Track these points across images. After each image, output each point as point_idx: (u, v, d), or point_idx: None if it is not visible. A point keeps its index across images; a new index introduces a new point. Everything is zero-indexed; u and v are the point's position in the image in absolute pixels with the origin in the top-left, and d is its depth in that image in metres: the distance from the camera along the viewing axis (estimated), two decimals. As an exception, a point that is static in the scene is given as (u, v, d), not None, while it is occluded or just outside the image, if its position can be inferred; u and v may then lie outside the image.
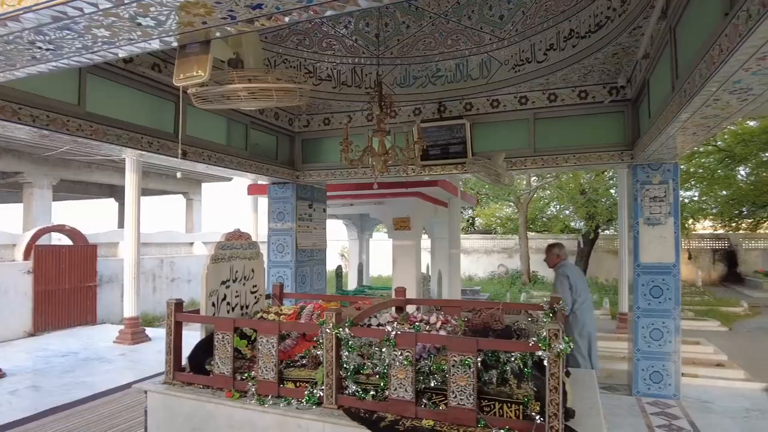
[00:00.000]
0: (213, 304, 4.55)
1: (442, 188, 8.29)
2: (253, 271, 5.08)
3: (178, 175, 6.77)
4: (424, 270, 12.61)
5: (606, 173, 15.48)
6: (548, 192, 18.36)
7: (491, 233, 22.27)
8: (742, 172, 14.72)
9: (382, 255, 11.76)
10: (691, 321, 9.54)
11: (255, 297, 5.14)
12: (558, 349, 2.82)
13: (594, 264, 17.16)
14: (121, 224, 20.46)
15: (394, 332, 3.16)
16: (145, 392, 3.69)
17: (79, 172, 13.97)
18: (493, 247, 19.52)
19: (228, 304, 4.73)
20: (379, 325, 4.00)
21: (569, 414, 3.13)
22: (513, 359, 3.14)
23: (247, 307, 5.01)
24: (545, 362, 2.82)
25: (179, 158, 5.00)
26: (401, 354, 3.10)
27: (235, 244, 4.85)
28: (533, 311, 4.27)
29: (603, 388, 5.24)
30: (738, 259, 16.55)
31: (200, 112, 5.32)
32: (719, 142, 12.79)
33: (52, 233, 10.66)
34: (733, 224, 17.79)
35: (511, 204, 19.48)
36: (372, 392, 3.18)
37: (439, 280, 9.57)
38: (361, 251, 12.47)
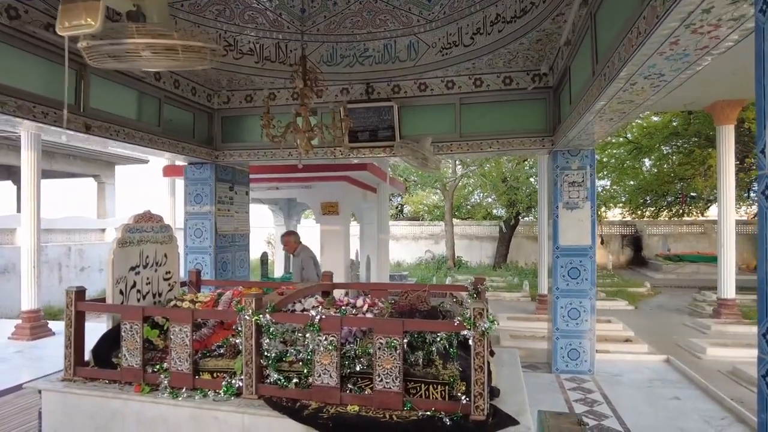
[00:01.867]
0: (121, 292, 4.18)
1: (370, 173, 8.20)
2: (165, 256, 4.73)
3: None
4: (353, 256, 12.54)
5: (527, 162, 16.18)
6: (472, 180, 18.91)
7: (419, 220, 22.65)
8: (648, 164, 15.98)
9: (310, 241, 11.59)
10: (603, 301, 10.20)
11: (169, 284, 4.80)
12: (483, 328, 2.82)
13: (514, 249, 17.97)
14: (20, 209, 18.52)
15: (318, 317, 3.04)
16: (39, 392, 3.31)
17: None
18: (421, 234, 19.85)
19: (138, 291, 4.37)
20: (303, 310, 3.85)
21: (494, 393, 3.16)
22: (439, 339, 3.11)
23: (160, 294, 4.67)
24: (470, 342, 2.81)
25: (83, 133, 4.52)
26: (326, 339, 2.98)
27: (145, 227, 4.48)
28: (458, 293, 4.29)
29: (525, 367, 5.43)
30: (642, 244, 18.01)
31: (107, 83, 4.82)
32: (628, 135, 13.75)
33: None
34: (639, 212, 19.32)
35: (438, 191, 19.87)
36: (295, 380, 3.06)
37: (368, 265, 9.51)
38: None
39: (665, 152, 14.60)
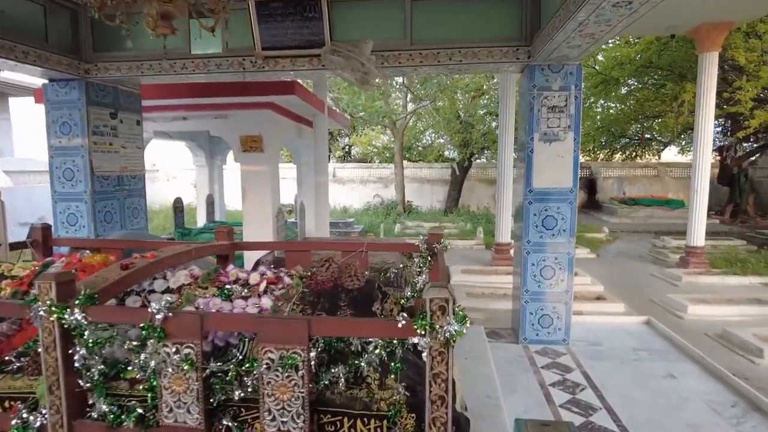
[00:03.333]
0: None
1: (301, 99, 6.64)
2: None
3: None
4: (289, 201, 11.08)
5: (484, 96, 14.90)
6: (424, 120, 17.53)
7: (367, 162, 21.20)
8: (608, 104, 15.03)
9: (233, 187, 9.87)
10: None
11: None
12: (447, 334, 1.60)
13: (467, 193, 17.01)
14: None
15: (161, 314, 1.72)
16: None
17: None
18: (369, 177, 18.47)
19: None
20: (166, 292, 2.49)
21: (461, 425, 2.01)
22: (373, 348, 1.86)
23: None
24: (424, 356, 1.58)
25: None
26: (177, 352, 1.65)
27: None
28: (407, 252, 3.06)
29: (486, 335, 4.38)
30: (597, 187, 17.48)
31: None
32: (597, 66, 12.64)
33: None
34: (593, 154, 18.69)
35: (388, 132, 18.38)
36: (138, 411, 1.81)
37: (302, 213, 8.14)
38: (212, 180, 10.47)
39: (633, 87, 13.61)
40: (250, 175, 7.04)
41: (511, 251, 8.04)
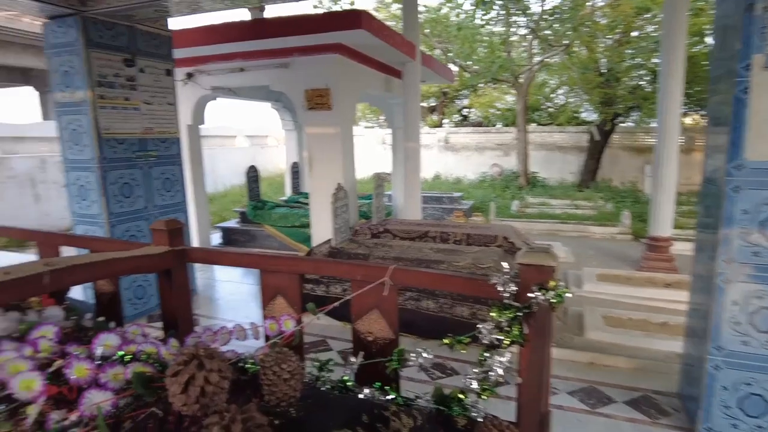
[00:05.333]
0: None
1: (374, 36, 4.95)
2: None
3: None
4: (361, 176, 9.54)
5: (628, 43, 11.75)
6: (554, 73, 14.69)
7: (485, 126, 18.84)
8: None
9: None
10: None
11: None
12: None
13: (608, 163, 13.97)
14: (47, 116, 17.13)
15: None
16: None
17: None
18: (486, 143, 16.16)
19: None
20: None
21: None
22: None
23: None
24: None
25: None
26: None
27: None
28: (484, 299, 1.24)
29: (631, 404, 2.47)
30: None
31: None
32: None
33: None
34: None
35: (510, 88, 15.80)
36: None
37: (379, 188, 6.55)
38: (301, 146, 9.31)
39: None
40: (316, 139, 5.61)
41: (672, 250, 5.65)
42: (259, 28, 5.10)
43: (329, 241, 4.55)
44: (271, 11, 12.13)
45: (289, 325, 1.40)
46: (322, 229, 5.40)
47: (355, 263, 1.54)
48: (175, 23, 4.83)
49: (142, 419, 0.83)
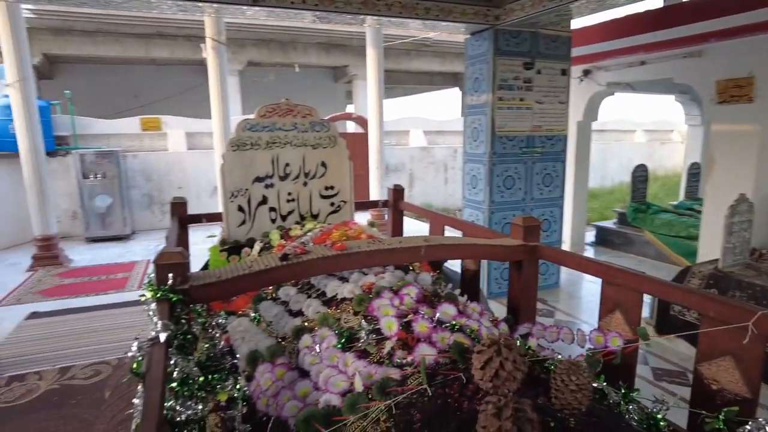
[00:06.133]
0: (240, 208, 3.18)
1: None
2: (324, 165, 3.37)
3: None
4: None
5: None
6: None
7: None
8: None
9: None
10: None
11: (331, 203, 3.46)
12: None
13: None
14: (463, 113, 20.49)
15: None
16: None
17: (398, 61, 14.14)
18: None
19: (273, 210, 3.25)
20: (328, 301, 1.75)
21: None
22: None
23: (315, 215, 3.42)
24: None
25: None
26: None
27: (280, 124, 3.23)
28: None
29: None
30: None
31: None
32: None
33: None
34: None
35: None
36: None
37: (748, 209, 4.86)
38: (708, 143, 7.89)
39: None
40: (722, 138, 4.72)
41: None
42: (671, 15, 4.63)
43: (716, 261, 3.80)
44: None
45: (615, 342, 1.35)
46: (711, 246, 4.56)
47: (708, 296, 1.30)
48: (576, 22, 4.94)
49: (451, 379, 1.02)
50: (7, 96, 5.98)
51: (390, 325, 1.24)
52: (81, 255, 6.63)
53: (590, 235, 7.23)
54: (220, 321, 1.89)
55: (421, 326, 1.23)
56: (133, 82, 13.73)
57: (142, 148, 8.91)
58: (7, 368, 3.31)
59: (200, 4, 3.67)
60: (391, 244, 1.83)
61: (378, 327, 1.28)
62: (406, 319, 1.28)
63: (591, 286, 5.32)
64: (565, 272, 5.52)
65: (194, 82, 13.25)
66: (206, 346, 1.79)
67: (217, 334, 1.84)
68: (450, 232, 3.04)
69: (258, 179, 3.22)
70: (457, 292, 1.90)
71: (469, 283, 2.41)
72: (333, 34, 12.05)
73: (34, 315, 4.36)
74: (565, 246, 6.61)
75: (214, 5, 3.77)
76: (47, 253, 6.00)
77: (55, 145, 7.71)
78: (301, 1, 3.76)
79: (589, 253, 6.65)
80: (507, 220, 4.82)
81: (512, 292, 2.14)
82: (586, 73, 6.14)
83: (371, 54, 7.60)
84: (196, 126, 9.24)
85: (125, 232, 7.74)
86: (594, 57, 5.86)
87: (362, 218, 4.02)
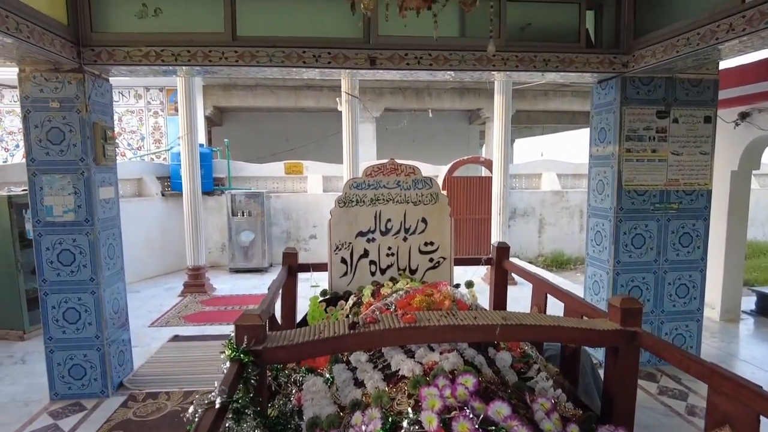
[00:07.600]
0: (343, 260, 3.42)
1: None
2: (424, 221, 3.49)
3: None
4: None
5: None
6: None
7: None
8: None
9: None
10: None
11: (430, 259, 3.57)
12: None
13: None
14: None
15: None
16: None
17: (534, 101, 13.82)
18: None
19: (373, 263, 3.44)
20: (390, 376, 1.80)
21: None
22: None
23: (413, 270, 3.54)
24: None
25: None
26: None
27: (384, 182, 3.44)
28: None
29: None
30: None
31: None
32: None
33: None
34: None
35: None
36: None
37: None
38: None
39: None
40: None
41: None
42: None
43: None
44: None
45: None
46: None
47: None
48: (725, 62, 4.40)
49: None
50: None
51: (430, 421, 1.21)
52: (223, 284, 7.49)
53: (749, 301, 6.12)
54: (298, 377, 2.00)
55: (461, 426, 1.18)
56: (285, 128, 15.45)
57: (285, 190, 9.90)
58: (146, 385, 3.84)
59: (326, 70, 4.06)
60: (463, 320, 1.79)
61: (419, 419, 1.26)
62: (450, 416, 1.24)
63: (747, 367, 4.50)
64: (714, 338, 4.76)
65: (336, 128, 14.43)
66: (281, 402, 1.90)
67: (294, 391, 1.94)
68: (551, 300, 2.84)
69: (361, 233, 3.38)
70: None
71: (568, 360, 2.23)
72: (466, 80, 12.26)
73: (176, 338, 5.02)
74: (714, 315, 5.70)
75: (341, 70, 4.14)
76: (195, 281, 6.94)
77: (213, 186, 8.93)
78: (416, 62, 3.94)
79: (747, 325, 5.63)
80: (635, 283, 4.35)
81: (608, 381, 1.94)
82: (744, 116, 5.39)
83: (498, 100, 7.58)
84: (332, 170, 10.00)
85: (263, 265, 8.58)
86: (753, 98, 5.13)
87: (470, 271, 3.95)
